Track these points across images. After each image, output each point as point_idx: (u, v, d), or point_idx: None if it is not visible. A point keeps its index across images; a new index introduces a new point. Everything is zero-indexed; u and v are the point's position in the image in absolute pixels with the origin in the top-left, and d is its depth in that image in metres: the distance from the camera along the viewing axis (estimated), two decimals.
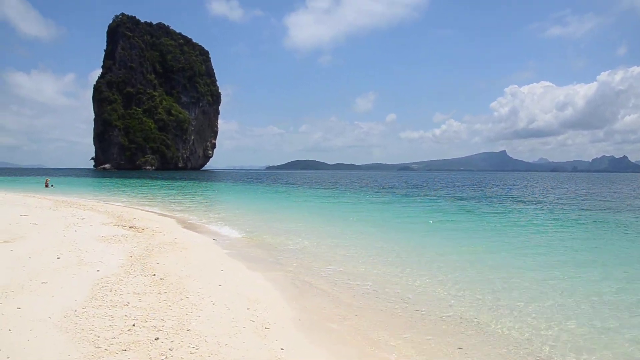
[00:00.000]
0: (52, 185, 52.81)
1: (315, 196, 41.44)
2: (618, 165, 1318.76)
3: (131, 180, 77.14)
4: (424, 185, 67.83)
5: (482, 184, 71.94)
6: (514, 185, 70.25)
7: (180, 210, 25.67)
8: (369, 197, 40.66)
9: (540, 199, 37.87)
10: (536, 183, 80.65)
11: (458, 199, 37.28)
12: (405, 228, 19.84)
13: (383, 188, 57.18)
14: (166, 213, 23.82)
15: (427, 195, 42.23)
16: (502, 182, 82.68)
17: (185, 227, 17.99)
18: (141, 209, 25.56)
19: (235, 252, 13.23)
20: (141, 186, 57.99)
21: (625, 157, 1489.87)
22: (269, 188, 57.25)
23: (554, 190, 53.70)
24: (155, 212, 23.81)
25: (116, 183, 67.79)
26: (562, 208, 29.72)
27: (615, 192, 50.57)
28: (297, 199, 37.98)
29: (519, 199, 37.70)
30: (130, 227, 16.14)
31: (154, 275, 9.32)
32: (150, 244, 13.17)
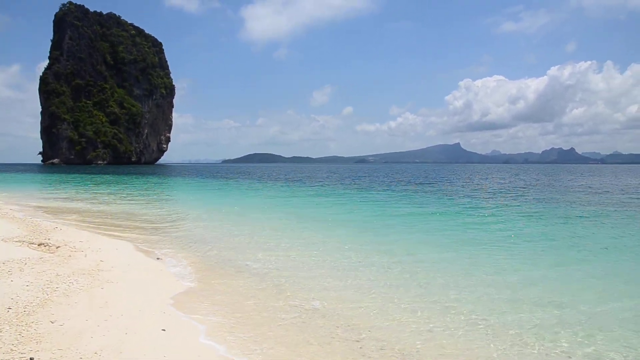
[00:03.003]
0: None
1: (276, 190, 37.55)
2: (566, 157, 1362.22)
3: (77, 176, 70.86)
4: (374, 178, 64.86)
5: (442, 178, 69.51)
6: (469, 179, 68.17)
7: (125, 214, 21.29)
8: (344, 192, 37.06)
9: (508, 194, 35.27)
10: (496, 176, 78.93)
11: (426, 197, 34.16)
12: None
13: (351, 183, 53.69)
14: (100, 220, 19.40)
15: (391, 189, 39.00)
16: (458, 176, 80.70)
17: (121, 240, 13.77)
18: (70, 215, 21.03)
19: (187, 284, 9.23)
20: (85, 183, 52.43)
21: (572, 149, 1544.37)
22: (225, 183, 52.90)
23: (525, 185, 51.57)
24: (86, 219, 19.34)
25: (59, 180, 61.75)
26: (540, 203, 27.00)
27: (577, 184, 48.85)
28: (258, 195, 34.12)
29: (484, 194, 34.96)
30: (40, 245, 11.83)
31: None
32: (58, 274, 9.03)
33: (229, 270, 10.57)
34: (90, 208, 23.83)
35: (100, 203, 27.05)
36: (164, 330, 6.54)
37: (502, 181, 57.60)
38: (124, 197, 32.10)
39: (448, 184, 50.40)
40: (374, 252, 12.83)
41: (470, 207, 24.61)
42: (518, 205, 25.84)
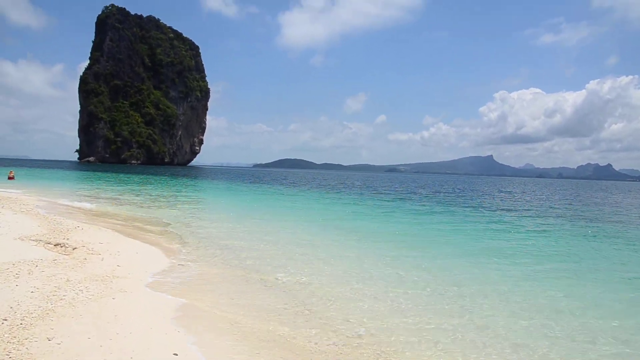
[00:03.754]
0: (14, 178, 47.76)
1: (309, 197, 36.55)
2: (602, 173, 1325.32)
3: (111, 175, 71.39)
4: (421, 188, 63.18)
5: (479, 191, 67.36)
6: (509, 191, 65.82)
7: (148, 216, 20.61)
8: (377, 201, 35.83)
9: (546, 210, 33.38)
10: (536, 191, 76.30)
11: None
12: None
13: (383, 192, 52.33)
14: (124, 220, 18.73)
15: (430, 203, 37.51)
16: (495, 188, 78.24)
17: (143, 243, 12.95)
18: (95, 213, 20.46)
19: (207, 299, 8.26)
20: (118, 181, 52.50)
21: (609, 165, 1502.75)
22: (258, 187, 52.14)
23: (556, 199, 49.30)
24: (110, 219, 18.68)
25: (93, 177, 62.23)
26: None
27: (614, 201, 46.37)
28: (290, 201, 33.07)
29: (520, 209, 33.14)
30: (56, 245, 11.07)
31: None
32: (68, 280, 8.18)
33: (255, 285, 9.57)
34: (116, 207, 23.25)
35: (128, 203, 26.49)
36: (176, 355, 5.57)
37: (541, 196, 55.40)
38: (154, 197, 31.57)
39: (488, 197, 48.39)
40: (414, 268, 11.66)
41: (518, 225, 23.10)
42: (567, 224, 24.25)
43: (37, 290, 7.39)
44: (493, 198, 45.83)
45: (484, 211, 29.90)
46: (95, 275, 8.74)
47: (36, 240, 11.30)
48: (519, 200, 44.81)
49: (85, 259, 9.97)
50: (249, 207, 27.80)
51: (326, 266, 11.49)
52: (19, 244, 10.86)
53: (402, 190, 56.33)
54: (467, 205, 34.93)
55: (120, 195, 32.45)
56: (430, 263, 12.38)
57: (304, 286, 9.56)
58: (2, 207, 18.39)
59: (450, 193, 53.57)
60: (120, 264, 9.92)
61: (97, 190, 37.47)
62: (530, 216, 27.62)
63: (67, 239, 12.13)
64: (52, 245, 10.95)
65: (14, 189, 31.90)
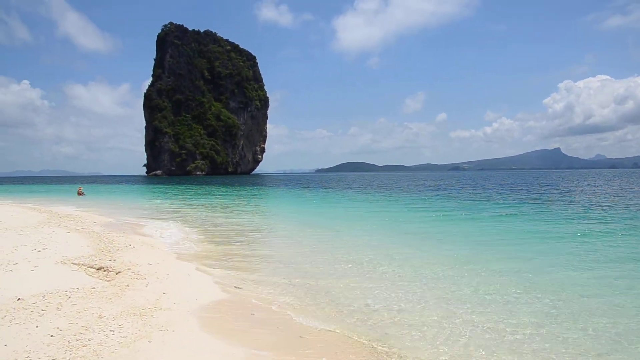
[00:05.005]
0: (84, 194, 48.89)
1: (376, 201, 34.53)
2: None
3: (174, 187, 72.12)
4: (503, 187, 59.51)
5: (556, 186, 62.70)
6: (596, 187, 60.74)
7: (208, 230, 19.38)
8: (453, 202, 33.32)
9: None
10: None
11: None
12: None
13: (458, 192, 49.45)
14: (176, 238, 17.52)
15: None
16: (573, 183, 72.77)
17: (201, 265, 11.51)
18: (147, 228, 19.44)
19: (270, 339, 6.59)
20: (180, 193, 52.53)
21: None
22: (324, 193, 50.44)
23: None
24: (162, 238, 17.54)
25: (157, 190, 62.95)
26: None
27: None
28: (357, 207, 31.13)
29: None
30: (99, 269, 9.77)
31: None
32: (101, 315, 6.74)
33: (326, 309, 7.86)
34: (175, 223, 22.27)
35: (190, 217, 25.55)
36: None
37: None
38: (216, 208, 30.62)
39: (575, 192, 44.30)
40: (510, 285, 9.57)
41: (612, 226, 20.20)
42: None
43: (59, 333, 5.96)
44: (580, 193, 41.99)
45: (579, 208, 26.84)
46: (134, 307, 7.27)
47: (78, 264, 10.05)
48: (617, 193, 40.78)
49: (128, 285, 8.56)
50: (317, 215, 26.08)
51: (400, 282, 9.60)
52: (59, 269, 9.64)
53: (473, 189, 53.19)
54: (560, 202, 31.81)
55: (183, 207, 31.79)
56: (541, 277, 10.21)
57: (378, 311, 7.73)
58: (59, 225, 17.68)
59: (534, 190, 49.87)
60: (166, 290, 8.44)
61: (163, 203, 37.15)
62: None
63: (114, 260, 10.87)
64: (95, 270, 9.65)
65: (76, 206, 31.89)
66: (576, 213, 23.61)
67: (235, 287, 9.21)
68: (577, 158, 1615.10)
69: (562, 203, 30.04)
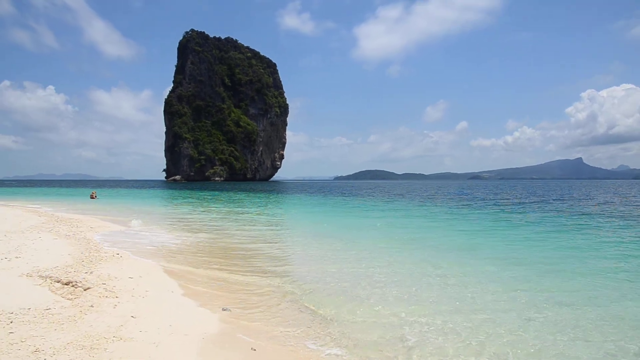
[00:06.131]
0: (96, 197, 48.24)
1: (399, 211, 32.76)
2: None
3: (191, 192, 71.00)
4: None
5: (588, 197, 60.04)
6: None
7: (212, 239, 17.92)
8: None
9: None
10: None
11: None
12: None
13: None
14: (173, 246, 16.06)
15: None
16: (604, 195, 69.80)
17: (190, 280, 10.01)
18: (144, 235, 18.04)
19: None
20: (197, 198, 51.33)
21: None
22: (343, 200, 48.68)
23: None
24: (156, 247, 16.10)
25: (174, 195, 62.00)
26: None
27: None
28: (377, 216, 29.36)
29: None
30: (67, 284, 8.29)
31: None
32: (38, 350, 5.25)
33: (342, 341, 6.27)
34: (183, 232, 20.84)
35: (197, 225, 24.17)
36: None
37: None
38: (228, 215, 29.20)
39: (605, 203, 42.10)
40: (547, 303, 7.88)
41: None
42: None
43: None
44: (612, 204, 39.70)
45: (609, 221, 24.80)
46: (88, 336, 5.77)
47: (45, 278, 8.59)
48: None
49: (92, 305, 7.07)
50: (335, 226, 24.39)
51: (424, 306, 7.96)
52: (19, 283, 8.19)
53: (499, 198, 51.06)
54: (586, 214, 29.74)
55: (189, 212, 30.47)
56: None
57: (405, 340, 6.11)
58: (51, 230, 16.39)
59: (560, 200, 47.61)
60: (137, 312, 6.93)
61: (168, 209, 35.95)
62: None
63: (91, 272, 9.41)
64: (61, 285, 8.18)
65: (83, 209, 30.80)
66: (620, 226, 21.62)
67: (223, 309, 7.66)
68: (599, 168, 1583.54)
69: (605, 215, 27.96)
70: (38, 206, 32.33)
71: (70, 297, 7.52)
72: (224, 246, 15.07)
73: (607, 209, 32.24)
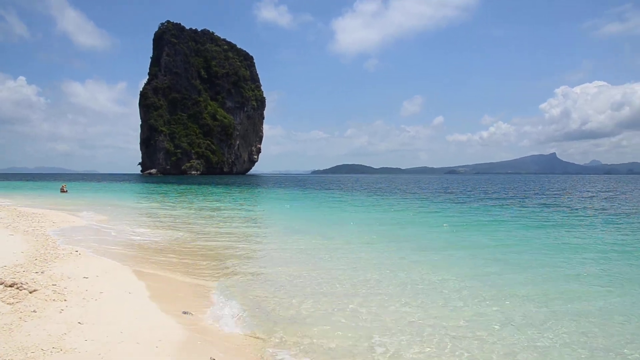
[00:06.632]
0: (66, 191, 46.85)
1: (377, 206, 32.34)
2: None
3: (166, 186, 69.52)
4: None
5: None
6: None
7: (185, 237, 17.18)
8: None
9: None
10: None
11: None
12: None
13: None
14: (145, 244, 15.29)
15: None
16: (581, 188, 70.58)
17: (153, 279, 9.30)
18: (108, 230, 17.23)
19: None
20: (171, 192, 50.19)
21: None
22: (324, 194, 48.08)
23: None
24: (118, 243, 15.31)
25: (147, 189, 60.66)
26: None
27: None
28: (357, 211, 28.87)
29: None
30: (11, 285, 7.53)
31: None
32: None
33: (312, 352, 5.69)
34: (152, 228, 19.98)
35: (167, 219, 23.34)
36: None
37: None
38: (201, 211, 28.35)
39: (587, 197, 42.29)
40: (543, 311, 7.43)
41: None
42: None
43: None
44: (592, 198, 39.99)
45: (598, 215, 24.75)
46: (22, 348, 5.08)
47: None
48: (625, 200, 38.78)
49: (35, 311, 6.36)
50: (313, 221, 23.69)
51: (423, 317, 7.44)
52: None
53: (484, 194, 51.13)
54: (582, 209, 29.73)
55: (160, 207, 29.57)
56: None
57: None
58: (8, 226, 15.46)
59: (542, 195, 47.82)
60: (85, 318, 6.24)
61: (138, 202, 34.93)
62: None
63: (42, 272, 8.67)
64: (4, 287, 7.42)
65: (50, 203, 29.63)
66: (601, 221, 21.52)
67: (183, 312, 7.02)
68: (572, 163, 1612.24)
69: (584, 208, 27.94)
70: (1, 200, 31.01)
71: (12, 301, 6.79)
72: (193, 244, 14.25)
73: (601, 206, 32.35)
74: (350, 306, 7.67)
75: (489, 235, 16.37)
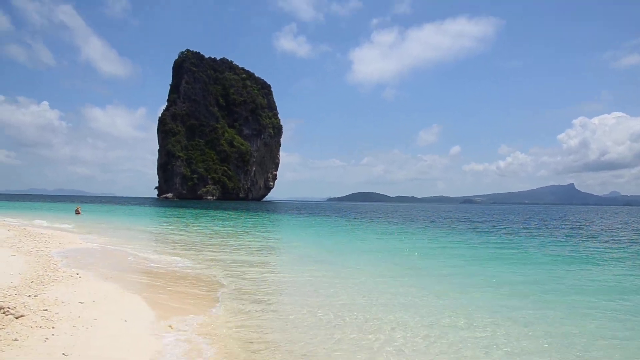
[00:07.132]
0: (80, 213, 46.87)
1: (400, 234, 31.45)
2: None
3: (181, 210, 69.10)
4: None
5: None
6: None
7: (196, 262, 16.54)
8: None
9: None
10: None
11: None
12: None
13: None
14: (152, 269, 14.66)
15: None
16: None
17: (147, 312, 8.64)
18: (115, 254, 16.65)
19: None
20: (185, 216, 49.78)
21: None
22: (341, 225, 47.33)
23: None
24: (120, 267, 14.69)
25: (162, 212, 60.38)
26: None
27: None
28: (373, 242, 28.02)
29: None
30: (3, 310, 6.94)
31: None
32: None
33: None
34: (162, 253, 19.38)
35: (179, 244, 22.75)
36: None
37: None
38: (214, 235, 27.75)
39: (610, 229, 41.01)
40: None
41: None
42: None
43: None
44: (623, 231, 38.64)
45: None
46: None
47: None
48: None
49: (16, 339, 5.72)
50: (329, 251, 22.97)
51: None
52: None
53: (508, 223, 49.92)
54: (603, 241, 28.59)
55: (174, 230, 29.04)
56: None
57: None
58: (12, 246, 14.99)
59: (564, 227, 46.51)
60: (71, 349, 5.59)
61: (152, 225, 34.50)
62: None
63: (36, 295, 8.07)
64: None
65: (62, 224, 29.32)
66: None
67: (170, 325, 6.33)
68: (591, 194, 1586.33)
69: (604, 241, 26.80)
70: (14, 220, 30.80)
71: None
72: (202, 272, 13.54)
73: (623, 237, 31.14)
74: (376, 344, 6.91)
75: (518, 270, 15.48)
